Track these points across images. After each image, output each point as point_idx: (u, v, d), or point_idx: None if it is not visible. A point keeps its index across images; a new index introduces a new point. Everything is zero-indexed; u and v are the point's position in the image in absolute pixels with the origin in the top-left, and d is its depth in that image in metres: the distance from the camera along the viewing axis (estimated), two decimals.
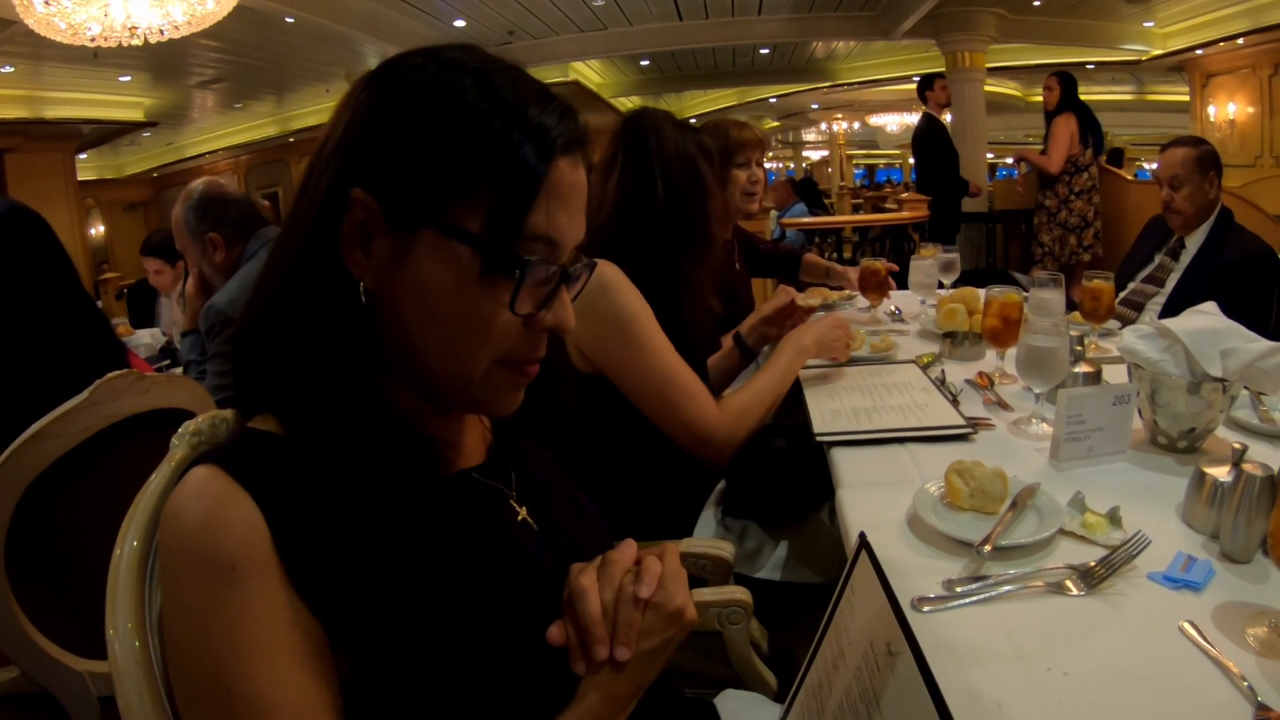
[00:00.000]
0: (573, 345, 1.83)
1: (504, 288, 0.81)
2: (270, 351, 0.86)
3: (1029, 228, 7.24)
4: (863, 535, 1.02)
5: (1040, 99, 6.80)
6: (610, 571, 0.84)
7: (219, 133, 14.67)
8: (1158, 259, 3.25)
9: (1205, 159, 3.04)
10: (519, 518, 0.96)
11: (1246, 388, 1.73)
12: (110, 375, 1.82)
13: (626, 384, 1.83)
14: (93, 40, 5.72)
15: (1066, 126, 6.46)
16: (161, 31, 5.84)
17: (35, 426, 1.71)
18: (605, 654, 0.81)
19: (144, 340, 4.23)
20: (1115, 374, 1.98)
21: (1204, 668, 1.00)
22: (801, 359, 2.08)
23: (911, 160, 7.89)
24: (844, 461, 1.69)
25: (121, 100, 11.15)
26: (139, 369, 2.40)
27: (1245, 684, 0.95)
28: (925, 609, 1.13)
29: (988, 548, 1.24)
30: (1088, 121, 6.55)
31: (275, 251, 0.89)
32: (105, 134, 12.00)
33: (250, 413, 0.89)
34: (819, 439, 1.79)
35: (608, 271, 1.77)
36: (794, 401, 2.18)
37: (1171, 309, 2.86)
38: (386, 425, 0.84)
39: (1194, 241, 3.10)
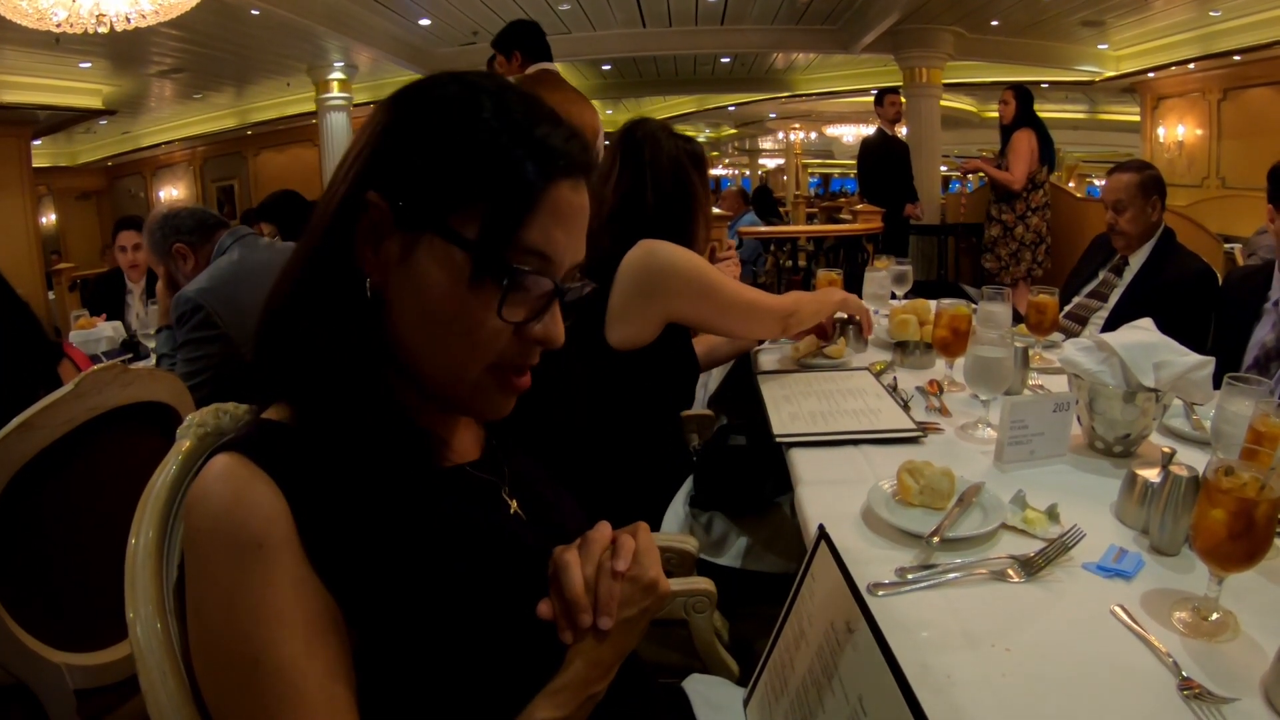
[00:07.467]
0: (658, 316, 2.05)
1: (493, 294, 0.87)
2: (286, 343, 0.92)
3: (979, 241, 7.24)
4: (822, 527, 1.11)
5: (996, 114, 6.83)
6: (590, 549, 0.92)
7: (176, 123, 14.33)
8: (1102, 275, 3.37)
9: (1148, 184, 3.17)
10: (511, 510, 1.03)
11: (1179, 398, 1.84)
12: (95, 368, 1.85)
13: (711, 320, 2.14)
14: (58, 26, 5.60)
15: (1028, 142, 6.38)
16: (129, 20, 5.74)
17: (22, 417, 1.71)
18: (589, 621, 0.89)
19: (105, 334, 4.15)
20: (1057, 383, 2.10)
21: (1133, 645, 1.11)
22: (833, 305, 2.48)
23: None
24: (802, 461, 1.78)
25: (80, 87, 10.86)
26: (80, 364, 2.44)
27: (1170, 660, 1.06)
28: (880, 593, 1.23)
29: (936, 539, 1.35)
30: (1043, 137, 6.49)
31: (296, 250, 0.96)
32: (62, 120, 11.68)
33: (265, 403, 0.96)
34: (778, 440, 1.88)
35: (648, 243, 2.01)
36: (749, 401, 2.27)
37: (1113, 323, 2.97)
38: (390, 418, 0.90)
39: (1137, 260, 3.23)
